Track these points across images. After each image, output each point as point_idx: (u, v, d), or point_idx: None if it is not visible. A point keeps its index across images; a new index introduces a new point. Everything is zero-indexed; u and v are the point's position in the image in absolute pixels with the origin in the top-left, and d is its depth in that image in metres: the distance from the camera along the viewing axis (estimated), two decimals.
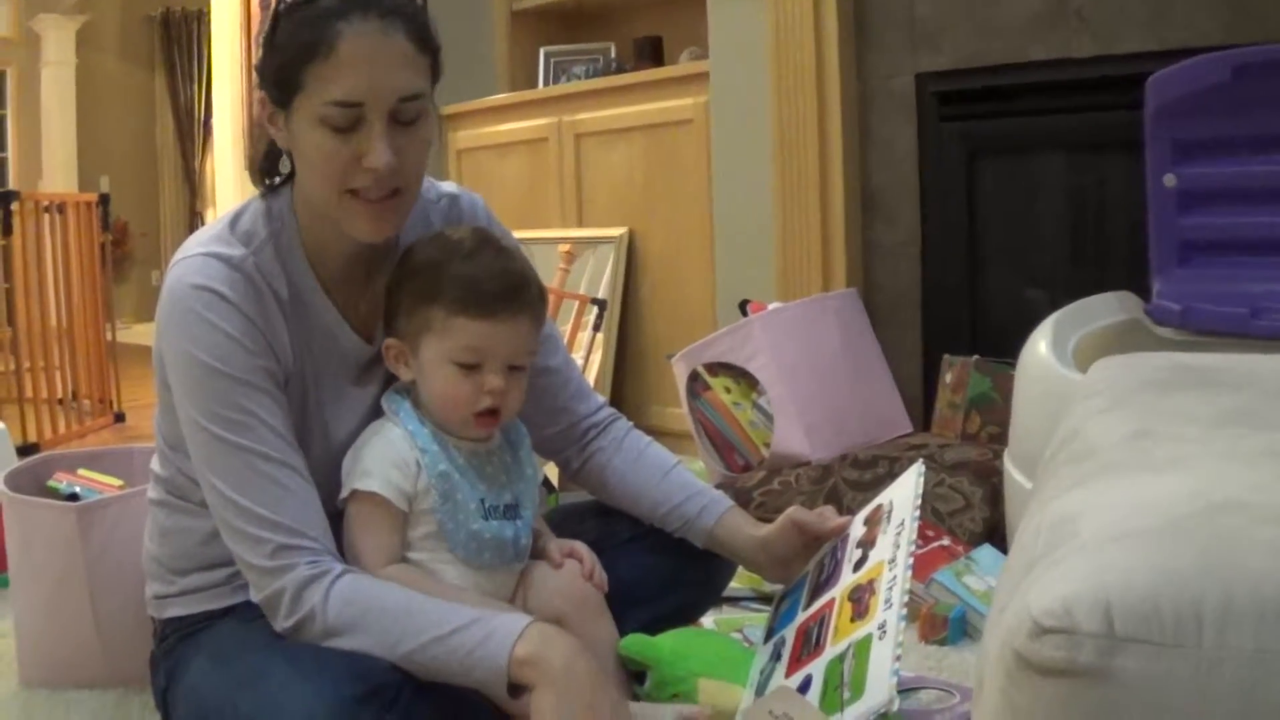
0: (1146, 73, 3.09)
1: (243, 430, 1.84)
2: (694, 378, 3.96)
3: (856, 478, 3.44)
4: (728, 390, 3.87)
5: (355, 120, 1.81)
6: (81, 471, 2.91)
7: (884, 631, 1.71)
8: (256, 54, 1.91)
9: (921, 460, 2.05)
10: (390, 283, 1.99)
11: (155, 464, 2.12)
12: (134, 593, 2.27)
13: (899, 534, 1.86)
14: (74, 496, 2.76)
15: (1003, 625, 1.06)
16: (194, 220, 12.60)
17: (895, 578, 1.78)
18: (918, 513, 1.87)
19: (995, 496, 3.20)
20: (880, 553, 1.87)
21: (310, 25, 1.80)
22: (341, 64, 1.79)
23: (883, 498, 2.03)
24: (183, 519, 2.05)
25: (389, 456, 1.93)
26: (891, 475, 3.30)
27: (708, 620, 2.63)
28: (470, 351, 1.93)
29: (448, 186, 2.19)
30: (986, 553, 2.91)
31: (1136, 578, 1.02)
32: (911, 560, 1.80)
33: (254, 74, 1.95)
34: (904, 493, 1.95)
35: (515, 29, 5.92)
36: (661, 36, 5.46)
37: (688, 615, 2.33)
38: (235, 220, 1.95)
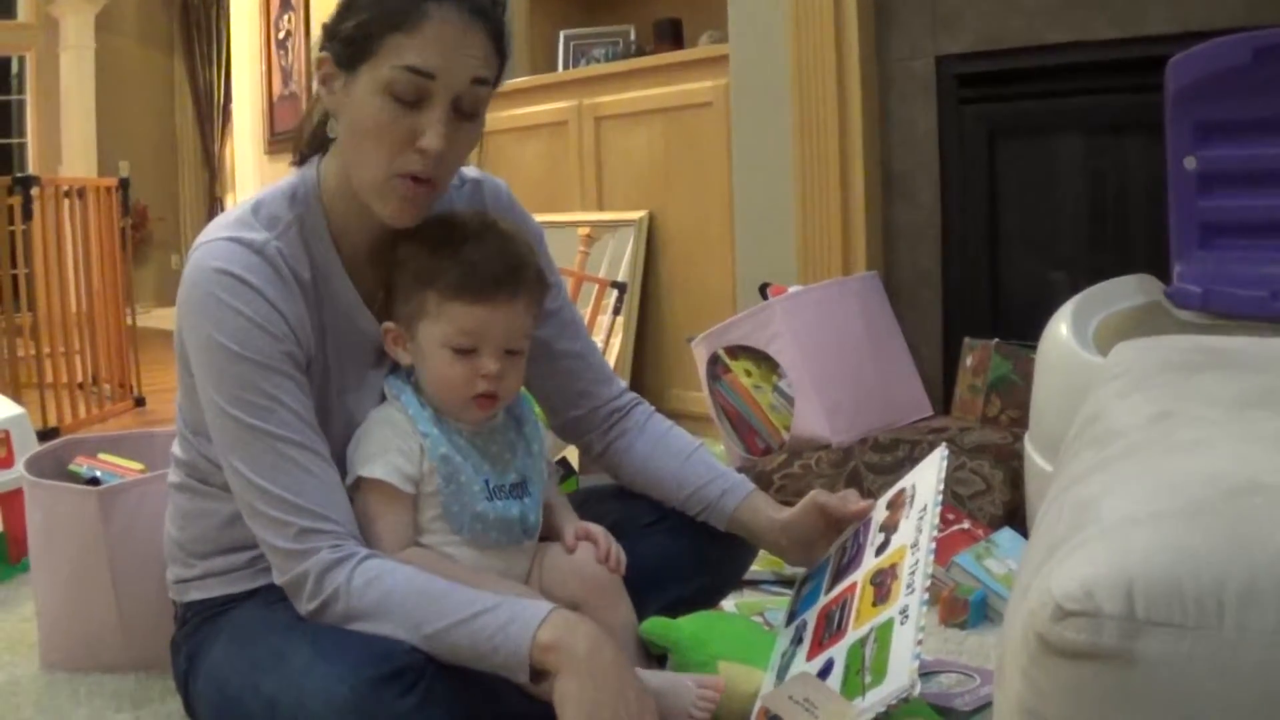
0: (1167, 54, 3.08)
1: (265, 414, 1.84)
2: (714, 360, 3.96)
3: (877, 461, 3.44)
4: (748, 373, 3.87)
5: (420, 94, 1.82)
6: (102, 455, 2.93)
7: (906, 616, 1.71)
8: (304, 20, 1.91)
9: (945, 444, 2.04)
10: (391, 265, 1.99)
11: (176, 448, 2.13)
12: (155, 576, 2.28)
13: (921, 518, 1.86)
14: (95, 480, 2.77)
15: (1025, 608, 1.06)
16: (213, 204, 12.61)
17: (918, 562, 1.77)
18: (940, 497, 1.87)
19: (1016, 479, 3.20)
20: (903, 537, 1.87)
21: None
22: (424, 38, 1.80)
23: (905, 482, 2.03)
24: (203, 502, 2.06)
25: (392, 441, 1.94)
26: (912, 458, 3.31)
27: (729, 603, 2.63)
28: (465, 336, 1.93)
29: (470, 171, 2.19)
30: (1007, 536, 2.91)
31: (1158, 560, 1.02)
32: (934, 544, 1.79)
33: (321, 30, 1.93)
34: (927, 477, 1.95)
35: (535, 11, 5.93)
36: (681, 19, 5.46)
37: (709, 598, 2.33)
38: (258, 204, 1.95)
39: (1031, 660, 1.04)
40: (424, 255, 1.94)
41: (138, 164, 11.83)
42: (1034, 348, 3.14)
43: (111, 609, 2.59)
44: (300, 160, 2.04)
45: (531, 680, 1.75)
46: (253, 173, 9.18)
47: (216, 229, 1.92)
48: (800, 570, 2.25)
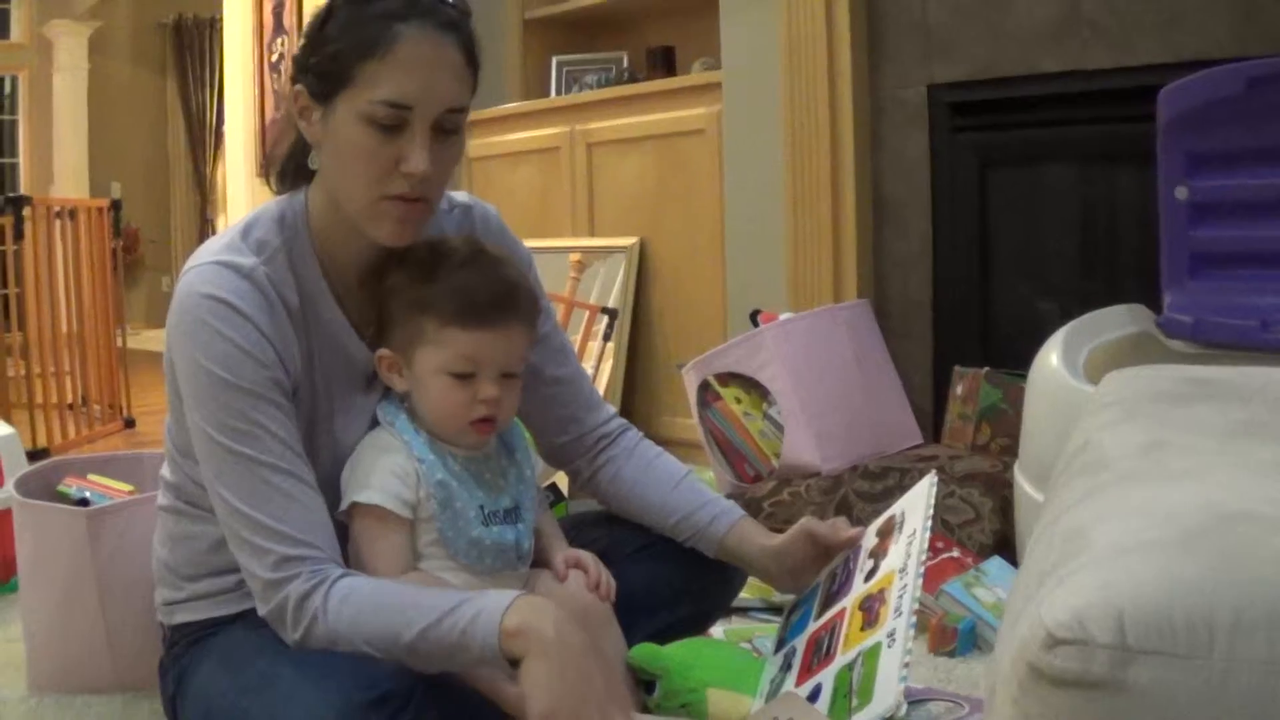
0: (1159, 84, 3.08)
1: (250, 441, 1.83)
2: (705, 387, 3.96)
3: (867, 489, 3.44)
4: (738, 400, 3.87)
5: (399, 122, 1.83)
6: (92, 476, 2.92)
7: (893, 639, 1.72)
8: (296, 44, 1.92)
9: (934, 471, 2.04)
10: (381, 293, 1.99)
11: (165, 470, 2.12)
12: (143, 598, 2.27)
13: (910, 543, 1.86)
14: (84, 501, 2.77)
15: (1016, 636, 1.07)
16: (205, 227, 12.62)
17: (906, 586, 1.78)
18: (929, 522, 1.87)
19: (1005, 508, 3.20)
20: (891, 562, 1.87)
21: (369, 23, 1.81)
22: (397, 65, 1.81)
23: (895, 508, 2.03)
24: (192, 525, 2.05)
25: (388, 467, 1.94)
26: (902, 486, 3.31)
27: (717, 630, 2.63)
28: (464, 361, 1.94)
29: (461, 196, 2.19)
30: (996, 564, 2.90)
31: (1149, 589, 1.02)
32: (923, 569, 1.80)
33: (291, 64, 1.94)
34: (916, 503, 1.96)
35: (527, 37, 5.94)
36: (674, 46, 5.46)
37: (698, 625, 2.33)
38: (248, 229, 1.95)
39: (1022, 688, 1.04)
40: (417, 282, 1.94)
41: (129, 186, 11.83)
42: (1024, 376, 3.14)
43: (99, 630, 2.59)
44: (278, 186, 2.05)
45: (514, 666, 1.74)
46: (245, 195, 9.17)
47: (206, 253, 1.91)
48: (788, 597, 2.25)
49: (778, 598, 2.87)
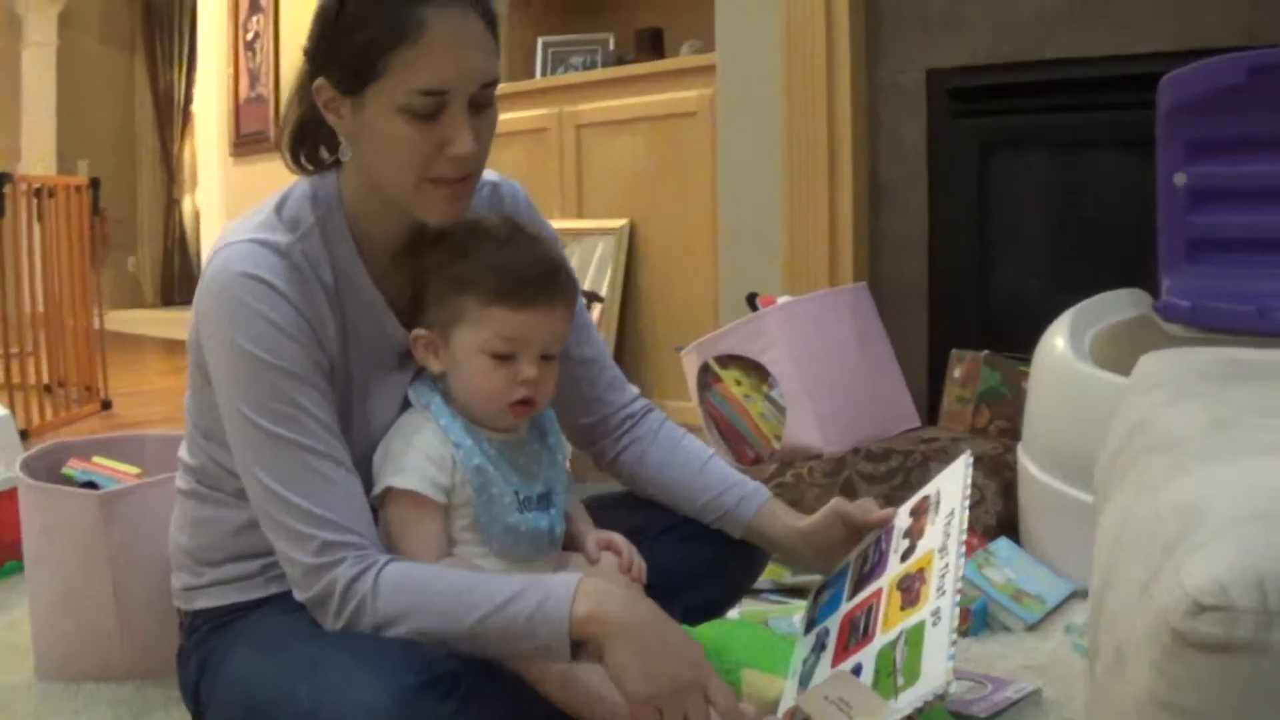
0: (1162, 72, 3.11)
1: (290, 423, 1.81)
2: (705, 370, 3.96)
3: (870, 470, 3.45)
4: (739, 382, 3.87)
5: (438, 108, 1.79)
6: (97, 459, 2.89)
7: (938, 618, 1.72)
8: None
9: (969, 451, 2.05)
10: (419, 272, 1.97)
11: (184, 453, 2.09)
12: (157, 583, 2.25)
13: (949, 523, 1.86)
14: (91, 484, 2.74)
15: (1154, 604, 1.11)
16: (171, 206, 12.54)
17: (948, 566, 1.78)
18: (968, 502, 1.88)
19: (1008, 490, 3.23)
20: (930, 542, 1.87)
21: (391, 9, 1.76)
22: (430, 51, 1.76)
23: (929, 489, 2.03)
24: (214, 509, 2.03)
25: (423, 451, 1.92)
26: (905, 469, 3.34)
27: (733, 614, 2.63)
28: (505, 341, 1.91)
29: (488, 174, 2.17)
30: (1004, 545, 2.95)
31: None
32: (964, 549, 1.80)
33: (305, 59, 1.91)
34: (952, 483, 1.95)
35: (513, 17, 5.92)
36: (662, 28, 5.46)
37: (721, 606, 2.33)
38: (281, 205, 1.92)
39: (1165, 654, 1.08)
40: (457, 261, 1.92)
41: (97, 164, 11.69)
42: (1022, 360, 3.16)
43: (111, 616, 2.57)
44: (298, 171, 2.02)
45: (572, 654, 1.74)
46: (216, 175, 9.11)
47: (239, 230, 1.89)
48: (802, 578, 2.26)
49: (789, 579, 2.87)
